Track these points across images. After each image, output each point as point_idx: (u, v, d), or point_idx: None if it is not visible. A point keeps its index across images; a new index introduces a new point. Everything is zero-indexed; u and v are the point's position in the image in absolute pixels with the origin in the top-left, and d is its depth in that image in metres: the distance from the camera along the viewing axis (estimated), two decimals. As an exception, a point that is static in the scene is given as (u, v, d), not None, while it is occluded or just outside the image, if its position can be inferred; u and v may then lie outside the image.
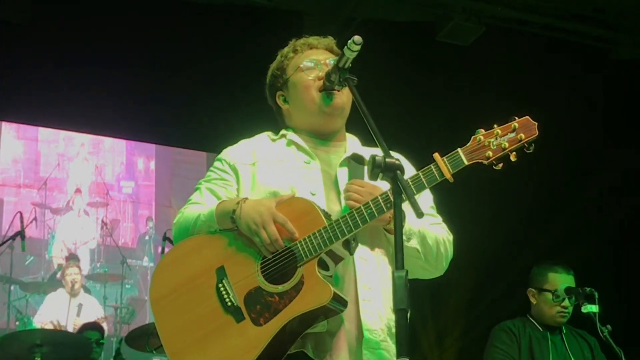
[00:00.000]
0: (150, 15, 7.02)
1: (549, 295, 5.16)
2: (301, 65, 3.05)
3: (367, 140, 3.09)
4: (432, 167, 2.70)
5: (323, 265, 2.71)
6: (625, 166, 7.72)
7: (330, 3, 7.24)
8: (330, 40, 3.11)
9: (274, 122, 3.21)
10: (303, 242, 2.70)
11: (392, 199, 2.47)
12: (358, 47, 2.73)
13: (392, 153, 2.60)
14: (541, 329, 5.22)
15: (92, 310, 7.90)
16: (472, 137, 2.72)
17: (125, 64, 7.18)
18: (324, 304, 2.62)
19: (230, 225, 2.79)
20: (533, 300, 5.28)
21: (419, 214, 2.42)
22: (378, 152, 2.83)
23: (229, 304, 2.73)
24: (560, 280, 5.16)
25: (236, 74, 7.03)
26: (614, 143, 7.85)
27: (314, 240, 2.69)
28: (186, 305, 2.80)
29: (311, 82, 3.01)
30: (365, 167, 2.89)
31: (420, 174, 2.70)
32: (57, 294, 7.88)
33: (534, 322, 5.26)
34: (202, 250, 2.86)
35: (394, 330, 2.81)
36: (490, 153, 2.70)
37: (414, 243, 2.81)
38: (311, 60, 3.05)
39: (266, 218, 2.70)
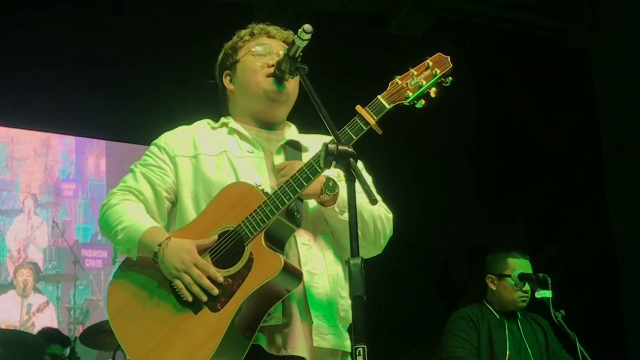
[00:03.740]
0: (97, 11, 6.96)
1: (510, 281, 5.22)
2: (253, 49, 3.04)
3: (305, 129, 3.11)
4: (357, 118, 2.75)
5: (274, 242, 2.70)
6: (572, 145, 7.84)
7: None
8: (289, 34, 3.08)
9: (220, 115, 3.17)
10: (246, 221, 2.70)
11: (322, 161, 2.50)
12: (308, 36, 2.74)
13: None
14: (498, 316, 5.27)
15: (42, 310, 7.79)
16: (390, 83, 2.81)
17: (74, 61, 7.09)
18: (276, 274, 2.61)
19: (150, 257, 2.76)
20: (492, 287, 5.32)
21: (373, 201, 2.44)
22: (317, 140, 2.88)
23: (184, 298, 2.71)
24: (519, 265, 5.23)
25: (186, 66, 6.98)
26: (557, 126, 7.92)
27: (256, 217, 2.69)
28: (144, 311, 2.77)
29: (259, 67, 3.00)
30: (302, 153, 2.92)
31: (346, 127, 2.73)
32: (7, 295, 7.77)
33: (491, 308, 5.30)
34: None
35: (342, 314, 2.84)
36: (409, 92, 2.79)
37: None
38: (264, 47, 3.04)
39: (188, 265, 2.68)
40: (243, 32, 3.15)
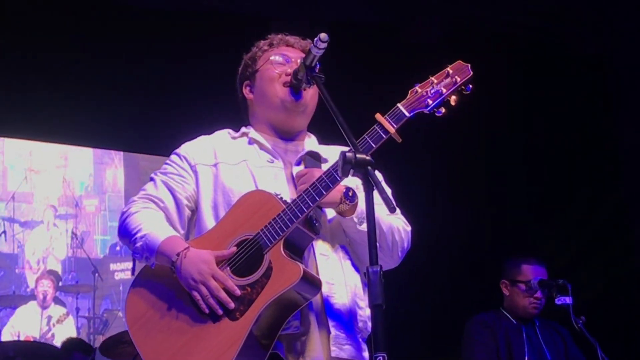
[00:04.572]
0: (114, 25, 6.99)
1: (522, 287, 5.20)
2: (271, 58, 3.05)
3: (325, 139, 3.11)
4: (376, 127, 2.74)
5: (293, 251, 2.71)
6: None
7: (294, 7, 7.25)
8: (308, 43, 3.06)
9: (239, 125, 3.19)
10: (265, 229, 2.70)
11: (340, 169, 2.48)
12: (325, 45, 2.75)
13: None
14: (515, 322, 5.25)
15: (62, 321, 7.82)
16: (410, 91, 2.79)
17: (91, 73, 7.11)
18: (295, 283, 2.61)
19: (168, 266, 2.77)
20: (506, 292, 5.32)
21: (392, 209, 2.44)
22: (337, 150, 2.87)
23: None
24: (534, 272, 5.21)
25: (204, 78, 7.02)
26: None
27: (275, 225, 2.69)
28: (163, 319, 2.78)
29: (276, 75, 3.01)
30: (322, 164, 2.92)
31: (366, 136, 2.72)
32: (27, 306, 7.81)
33: (507, 314, 5.29)
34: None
35: (360, 324, 2.84)
36: (430, 101, 2.77)
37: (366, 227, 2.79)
38: (282, 55, 3.05)
39: (206, 276, 2.69)
40: (262, 42, 3.17)
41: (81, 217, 8.23)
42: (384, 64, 7.49)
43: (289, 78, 2.97)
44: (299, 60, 2.97)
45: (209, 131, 3.18)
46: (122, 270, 8.10)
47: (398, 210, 2.91)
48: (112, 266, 8.23)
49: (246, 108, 3.18)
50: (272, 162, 2.98)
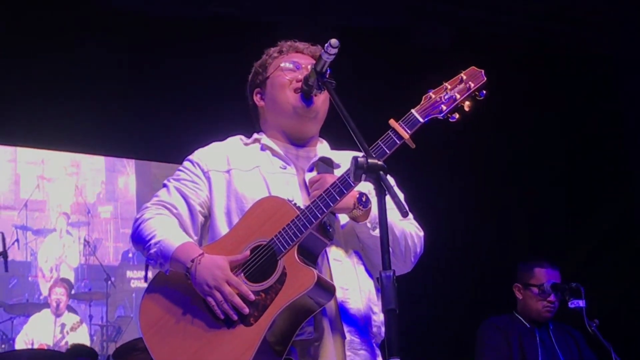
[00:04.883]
0: (125, 31, 7.00)
1: (535, 290, 5.19)
2: (281, 65, 3.06)
3: (337, 145, 3.11)
4: (390, 132, 2.75)
5: (306, 256, 2.71)
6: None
7: (302, 11, 7.25)
8: (318, 49, 3.08)
9: (251, 131, 3.20)
10: (279, 235, 2.71)
11: (352, 174, 2.48)
12: (335, 51, 2.75)
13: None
14: (528, 325, 5.25)
15: (75, 329, 7.84)
16: (424, 97, 2.79)
17: (101, 81, 7.13)
18: (309, 288, 2.61)
19: (182, 272, 2.78)
20: (519, 296, 5.32)
21: (404, 213, 2.44)
22: (350, 156, 2.88)
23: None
24: (547, 275, 5.20)
25: (213, 85, 7.04)
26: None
27: (289, 231, 2.70)
28: (177, 325, 2.78)
29: (287, 82, 3.02)
30: (334, 170, 2.93)
31: (380, 141, 2.74)
32: (40, 314, 7.83)
33: (521, 318, 5.28)
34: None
35: (374, 329, 2.84)
36: (444, 107, 2.78)
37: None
38: (292, 62, 3.06)
39: (220, 282, 2.69)
40: (272, 49, 3.18)
41: (93, 224, 8.25)
42: (394, 68, 7.49)
43: (299, 84, 2.98)
44: (309, 66, 2.97)
45: (221, 138, 3.18)
46: (139, 279, 8.11)
47: (411, 215, 2.90)
48: (129, 274, 8.25)
49: (257, 115, 3.19)
50: (285, 168, 2.98)
